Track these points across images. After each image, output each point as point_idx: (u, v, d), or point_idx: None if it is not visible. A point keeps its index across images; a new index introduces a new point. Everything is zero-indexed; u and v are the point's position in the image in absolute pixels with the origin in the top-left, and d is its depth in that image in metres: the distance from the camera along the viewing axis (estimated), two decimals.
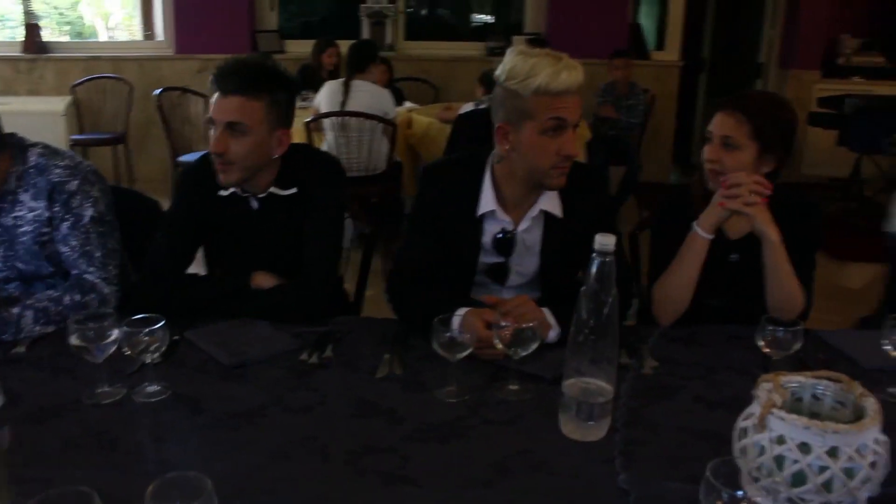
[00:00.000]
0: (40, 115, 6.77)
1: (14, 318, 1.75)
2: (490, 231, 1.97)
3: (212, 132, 1.91)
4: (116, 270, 1.95)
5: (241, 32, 6.93)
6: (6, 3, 9.00)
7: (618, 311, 1.36)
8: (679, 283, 1.99)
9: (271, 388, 1.56)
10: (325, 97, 4.69)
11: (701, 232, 1.97)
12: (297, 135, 4.70)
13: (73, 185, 1.91)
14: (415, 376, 1.63)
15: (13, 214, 1.93)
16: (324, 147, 4.55)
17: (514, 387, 1.56)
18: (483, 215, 1.94)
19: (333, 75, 6.34)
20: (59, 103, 6.86)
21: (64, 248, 1.92)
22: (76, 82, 6.83)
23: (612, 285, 1.35)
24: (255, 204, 2.00)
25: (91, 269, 1.90)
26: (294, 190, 1.98)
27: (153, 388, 1.53)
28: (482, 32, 7.33)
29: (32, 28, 7.22)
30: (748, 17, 7.53)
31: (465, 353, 1.53)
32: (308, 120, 4.52)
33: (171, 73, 6.93)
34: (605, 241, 1.34)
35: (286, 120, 1.95)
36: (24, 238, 1.93)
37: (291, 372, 1.63)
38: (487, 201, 1.93)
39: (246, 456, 1.32)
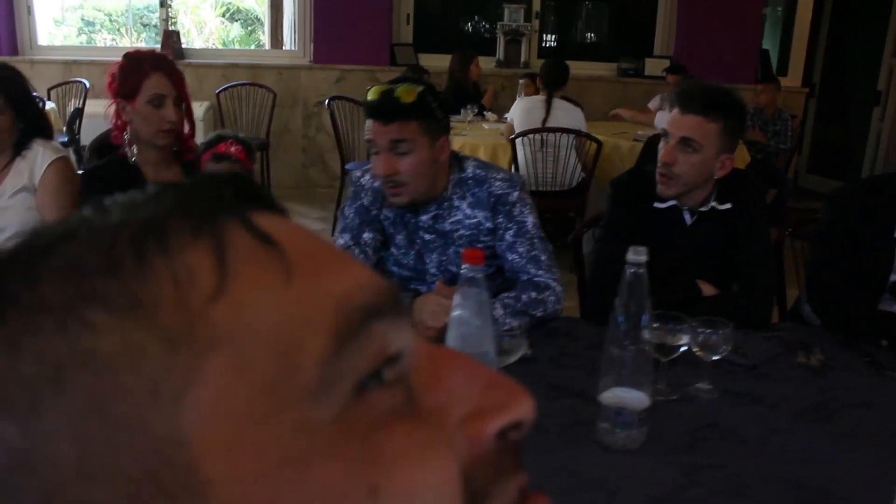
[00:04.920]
0: None
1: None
2: None
3: (661, 145, 2.06)
4: (559, 271, 2.07)
5: (379, 45, 7.08)
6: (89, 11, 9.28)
7: None
8: None
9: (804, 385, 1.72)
10: (522, 114, 4.83)
11: None
12: (486, 149, 4.83)
13: (514, 195, 2.04)
14: None
15: (451, 220, 2.06)
16: (520, 162, 4.69)
17: None
18: None
19: (476, 88, 6.51)
20: (197, 108, 7.00)
21: (511, 255, 2.05)
22: (220, 88, 6.96)
23: None
24: (688, 218, 2.14)
25: (540, 271, 2.02)
26: (729, 206, 2.12)
27: (706, 386, 1.67)
28: (612, 53, 7.49)
29: (170, 35, 7.40)
30: (865, 42, 7.68)
31: None
32: (512, 137, 4.67)
33: (309, 82, 7.08)
34: None
35: (733, 146, 2.10)
36: (460, 243, 2.07)
37: (805, 372, 1.78)
38: None
39: None
